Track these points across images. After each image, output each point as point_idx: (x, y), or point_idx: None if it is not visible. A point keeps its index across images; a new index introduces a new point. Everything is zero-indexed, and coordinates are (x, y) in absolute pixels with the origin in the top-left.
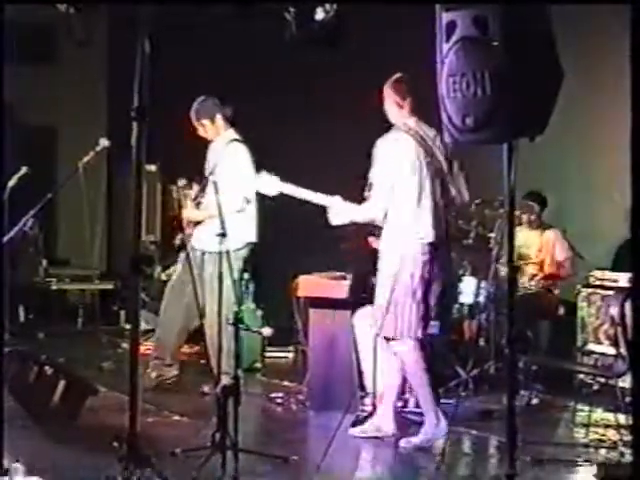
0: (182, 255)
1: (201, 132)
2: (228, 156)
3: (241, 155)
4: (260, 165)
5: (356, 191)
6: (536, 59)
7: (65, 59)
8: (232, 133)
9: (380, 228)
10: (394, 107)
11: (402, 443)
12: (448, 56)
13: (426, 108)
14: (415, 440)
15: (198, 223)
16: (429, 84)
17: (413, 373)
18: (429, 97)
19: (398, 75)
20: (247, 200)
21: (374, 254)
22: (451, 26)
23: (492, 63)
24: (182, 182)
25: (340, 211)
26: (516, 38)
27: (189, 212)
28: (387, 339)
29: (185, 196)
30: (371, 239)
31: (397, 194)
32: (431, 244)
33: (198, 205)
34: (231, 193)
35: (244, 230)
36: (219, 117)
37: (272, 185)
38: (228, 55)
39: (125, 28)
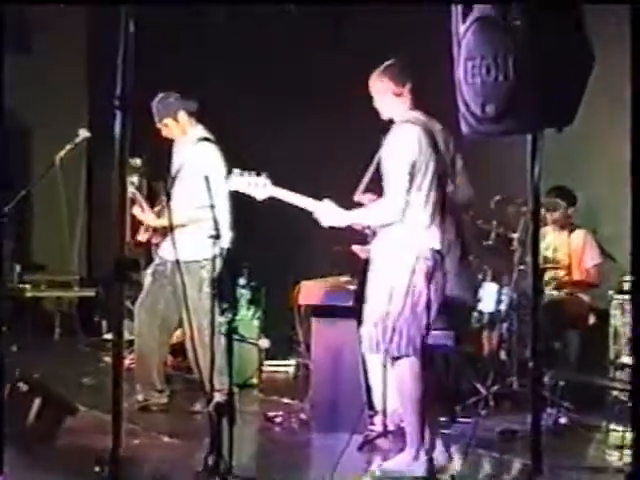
0: (149, 269)
1: (165, 133)
2: (196, 157)
3: (211, 156)
4: (249, 166)
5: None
6: (564, 40)
7: (40, 46)
8: (200, 131)
9: (365, 235)
10: (390, 98)
11: (374, 468)
12: (465, 37)
13: (431, 100)
14: (387, 466)
15: (164, 231)
16: (437, 73)
17: (407, 396)
18: (434, 88)
19: (390, 61)
20: (212, 205)
21: None
22: (468, 4)
23: (515, 45)
24: (135, 178)
25: (335, 213)
26: (541, 17)
27: (153, 219)
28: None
29: (144, 196)
30: (357, 248)
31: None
32: (438, 251)
33: (160, 212)
34: (196, 199)
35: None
36: (182, 114)
37: (261, 188)
38: (219, 48)
39: (106, 7)
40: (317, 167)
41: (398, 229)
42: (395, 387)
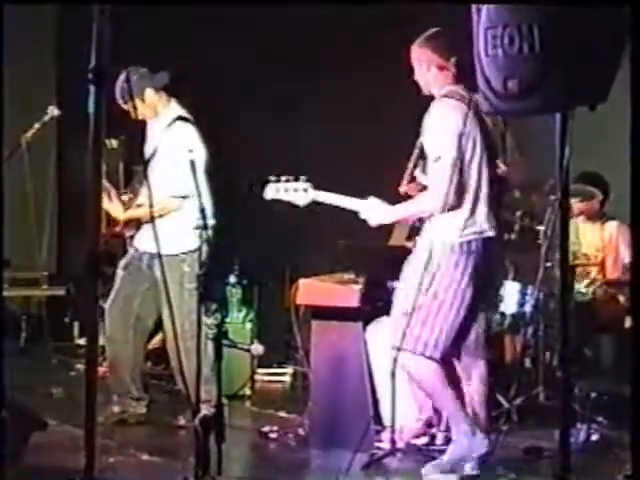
0: (121, 263)
1: (134, 115)
2: (170, 140)
3: (187, 138)
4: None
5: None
6: (598, 7)
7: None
8: (175, 108)
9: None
10: (433, 71)
11: (426, 471)
12: (485, 4)
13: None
14: (443, 460)
15: (137, 222)
16: None
17: (437, 392)
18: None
19: (434, 30)
20: (183, 196)
21: (390, 253)
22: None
23: (542, 12)
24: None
25: (383, 210)
26: None
27: (121, 211)
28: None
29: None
30: (409, 242)
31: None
32: (485, 240)
33: (130, 202)
34: (168, 187)
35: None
36: (150, 92)
37: (301, 192)
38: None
39: None
40: (348, 162)
41: (445, 213)
42: (419, 387)
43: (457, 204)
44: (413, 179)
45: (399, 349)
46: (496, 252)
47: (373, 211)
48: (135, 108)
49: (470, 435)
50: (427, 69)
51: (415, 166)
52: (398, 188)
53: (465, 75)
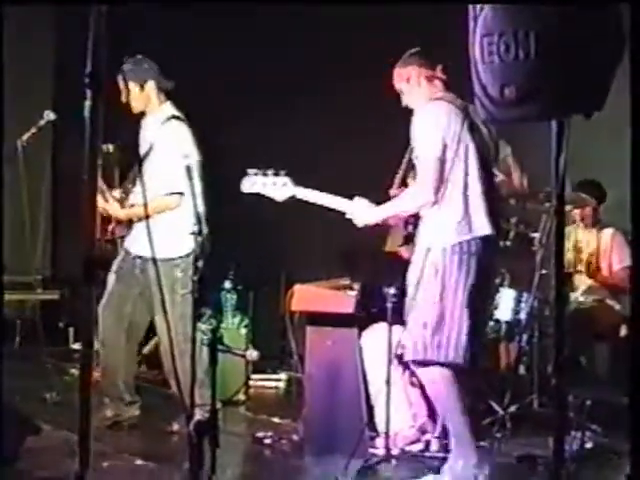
0: (113, 267)
1: (126, 98)
2: (164, 137)
3: (180, 138)
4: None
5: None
6: (595, 15)
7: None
8: (170, 108)
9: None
10: (424, 84)
11: None
12: (483, 11)
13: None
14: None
15: (129, 223)
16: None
17: (447, 407)
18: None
19: (413, 50)
20: (178, 192)
21: (388, 257)
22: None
23: (539, 19)
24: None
25: (369, 210)
26: None
27: (118, 209)
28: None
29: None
30: (403, 249)
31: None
32: (483, 239)
33: (122, 202)
34: (165, 185)
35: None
36: (151, 84)
37: (280, 188)
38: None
39: None
40: (336, 162)
41: (437, 215)
42: (431, 396)
43: (443, 202)
44: (404, 183)
45: (417, 361)
46: (493, 254)
47: (360, 211)
48: (128, 92)
49: (465, 458)
50: (417, 83)
51: (407, 170)
52: (389, 191)
53: (452, 83)
